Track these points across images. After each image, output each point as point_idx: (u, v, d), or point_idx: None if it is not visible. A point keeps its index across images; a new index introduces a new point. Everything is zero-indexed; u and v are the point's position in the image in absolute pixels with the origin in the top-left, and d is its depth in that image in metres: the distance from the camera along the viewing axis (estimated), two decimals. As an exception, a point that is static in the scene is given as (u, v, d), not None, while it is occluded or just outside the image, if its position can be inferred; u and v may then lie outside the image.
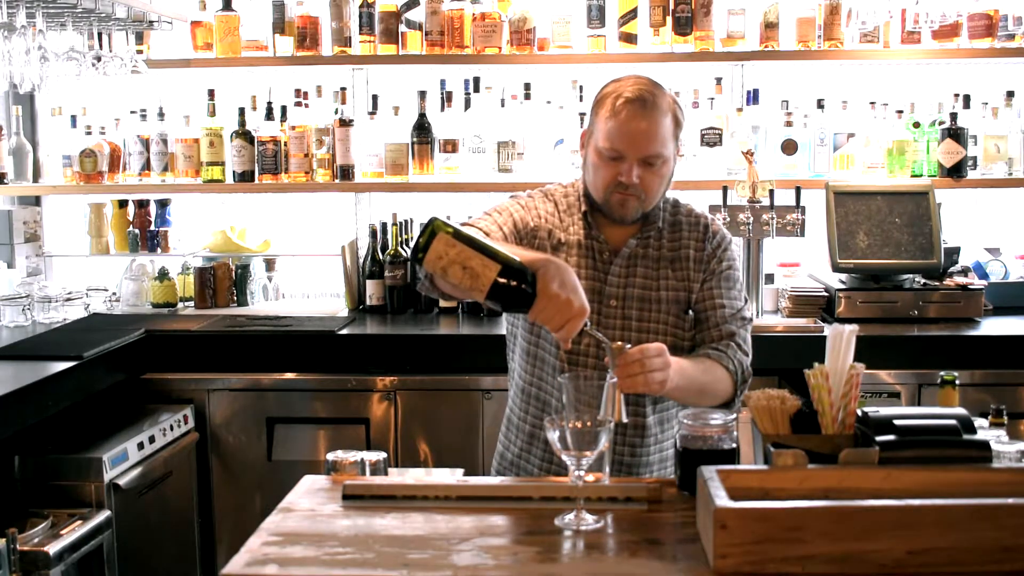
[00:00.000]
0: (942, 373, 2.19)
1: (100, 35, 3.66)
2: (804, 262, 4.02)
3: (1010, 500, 1.58)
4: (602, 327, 2.16)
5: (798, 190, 3.66)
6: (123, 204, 4.12)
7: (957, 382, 2.17)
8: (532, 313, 1.88)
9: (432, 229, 1.89)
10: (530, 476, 2.30)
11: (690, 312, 2.25)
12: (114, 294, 4.02)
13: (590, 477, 1.87)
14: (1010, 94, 3.86)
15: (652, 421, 2.26)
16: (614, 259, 2.24)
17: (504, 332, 2.42)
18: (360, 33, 3.87)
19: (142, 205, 4.13)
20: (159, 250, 4.12)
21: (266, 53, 3.93)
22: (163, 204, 4.13)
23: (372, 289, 3.94)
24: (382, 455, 2.11)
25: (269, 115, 3.93)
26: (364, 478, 2.04)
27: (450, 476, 2.25)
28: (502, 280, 1.85)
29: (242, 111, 3.92)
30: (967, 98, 3.85)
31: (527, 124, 3.87)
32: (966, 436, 1.80)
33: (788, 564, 1.54)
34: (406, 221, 4.00)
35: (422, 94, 3.92)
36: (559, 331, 1.88)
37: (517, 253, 1.94)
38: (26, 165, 4.03)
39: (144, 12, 3.71)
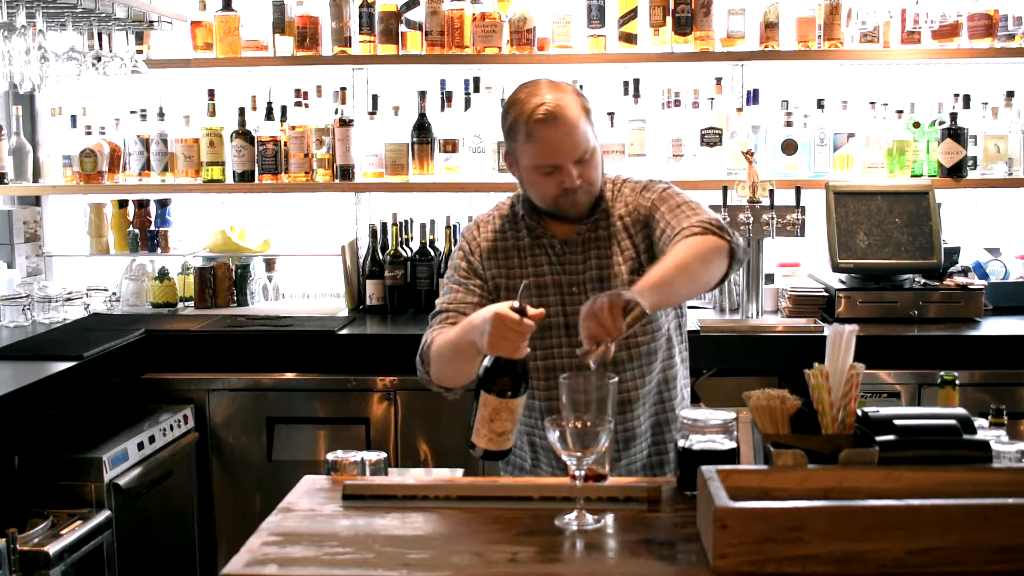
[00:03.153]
0: (942, 373, 2.19)
1: (100, 35, 3.66)
2: (804, 262, 4.02)
3: (1010, 500, 1.58)
4: (567, 316, 2.22)
5: (798, 190, 3.66)
6: (123, 204, 4.12)
7: (957, 382, 2.17)
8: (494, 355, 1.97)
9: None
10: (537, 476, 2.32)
11: (642, 268, 2.22)
12: (114, 294, 4.02)
13: (595, 471, 1.89)
14: (1010, 94, 3.86)
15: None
16: (565, 249, 2.28)
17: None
18: (360, 33, 3.87)
19: (142, 205, 4.13)
20: (159, 250, 4.12)
21: (266, 53, 3.93)
22: (163, 204, 4.13)
23: (372, 289, 3.94)
24: (382, 455, 2.11)
25: (269, 115, 3.93)
26: (364, 478, 2.04)
27: (450, 476, 2.25)
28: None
29: (242, 111, 3.92)
30: (967, 98, 3.85)
31: (527, 124, 3.86)
32: (966, 436, 1.80)
33: (788, 564, 1.54)
34: (406, 221, 4.00)
35: (422, 94, 3.92)
36: (523, 343, 1.94)
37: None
38: (26, 165, 4.03)
39: (144, 12, 3.71)
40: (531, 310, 1.95)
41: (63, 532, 2.71)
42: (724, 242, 2.13)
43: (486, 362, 1.97)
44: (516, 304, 1.95)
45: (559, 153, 2.16)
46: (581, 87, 3.88)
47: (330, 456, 2.07)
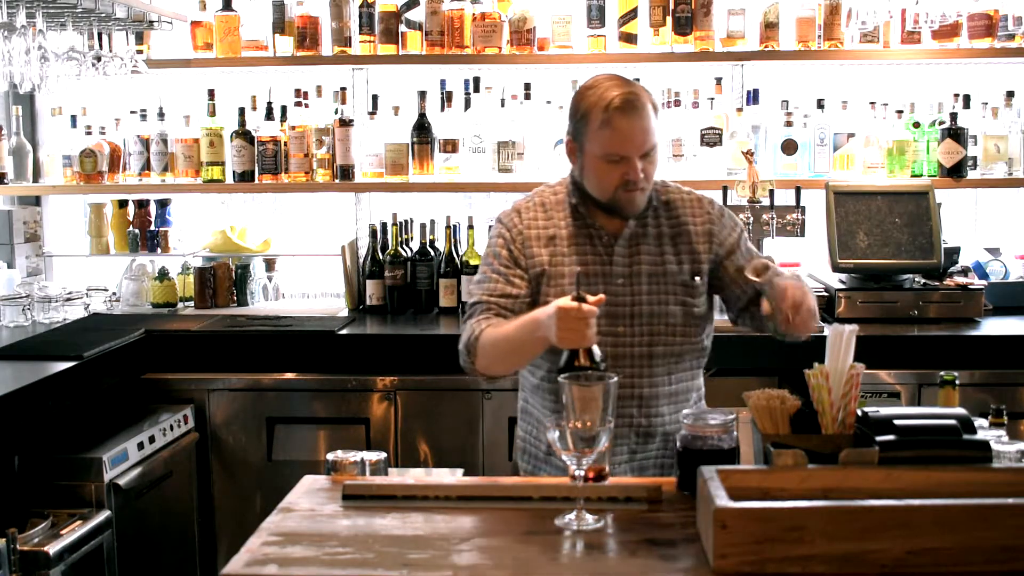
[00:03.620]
0: (942, 373, 2.19)
1: (100, 35, 3.66)
2: (804, 262, 4.02)
3: (1010, 500, 1.58)
4: (611, 304, 2.24)
5: (798, 190, 3.65)
6: (123, 204, 4.12)
7: (957, 382, 2.18)
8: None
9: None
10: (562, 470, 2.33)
11: (697, 279, 2.34)
12: (114, 294, 4.02)
13: (594, 470, 1.89)
14: (1010, 94, 3.86)
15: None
16: (615, 242, 2.32)
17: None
18: (360, 33, 3.87)
19: (142, 205, 4.12)
20: (159, 250, 4.12)
21: (266, 53, 3.93)
22: (163, 204, 4.13)
23: (372, 289, 3.94)
24: (382, 455, 2.11)
25: (269, 115, 3.93)
26: (364, 478, 2.04)
27: (450, 476, 2.25)
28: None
29: (242, 111, 3.92)
30: (967, 98, 3.85)
31: (527, 124, 3.87)
32: (966, 436, 1.80)
33: (788, 564, 1.54)
34: (406, 221, 4.00)
35: (422, 94, 3.91)
36: (589, 330, 2.00)
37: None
38: (26, 165, 4.03)
39: (144, 12, 3.71)
40: (591, 297, 2.02)
41: (63, 532, 2.71)
42: None
43: (563, 357, 2.03)
44: (575, 294, 2.02)
45: (630, 143, 2.21)
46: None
47: (330, 456, 2.07)
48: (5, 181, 3.96)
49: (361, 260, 4.04)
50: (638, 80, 3.79)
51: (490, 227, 2.46)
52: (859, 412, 1.87)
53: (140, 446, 3.13)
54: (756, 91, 3.90)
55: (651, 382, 2.30)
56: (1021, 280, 3.89)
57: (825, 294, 3.70)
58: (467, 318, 2.31)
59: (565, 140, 2.35)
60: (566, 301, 2.02)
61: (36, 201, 4.24)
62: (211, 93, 3.97)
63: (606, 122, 2.20)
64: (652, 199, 2.35)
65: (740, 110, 3.89)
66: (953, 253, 3.77)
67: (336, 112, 3.92)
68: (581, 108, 2.26)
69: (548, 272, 2.31)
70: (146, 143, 3.98)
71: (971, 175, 3.83)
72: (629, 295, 2.30)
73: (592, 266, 2.30)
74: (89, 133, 4.02)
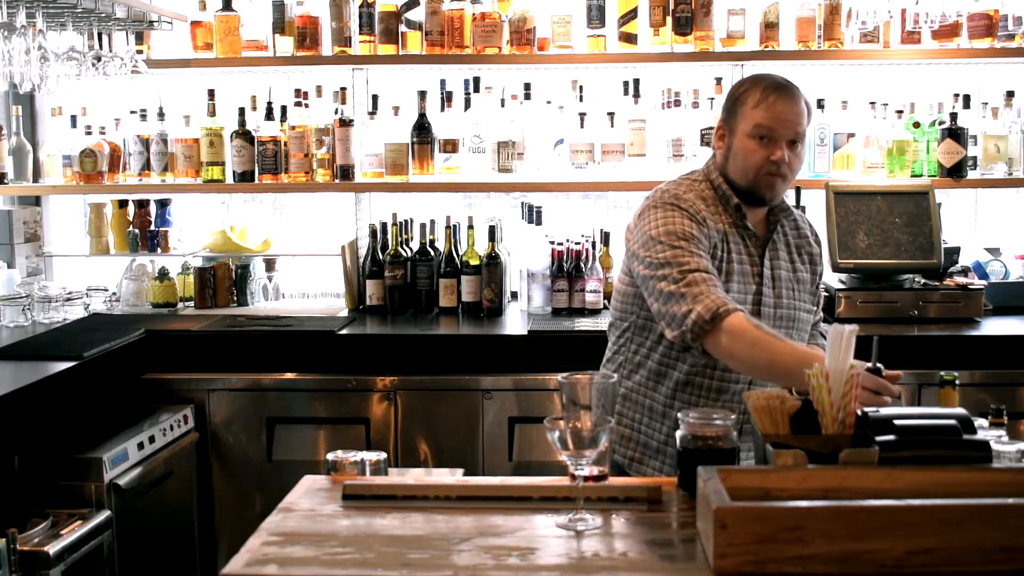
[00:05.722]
0: (942, 373, 2.19)
1: (100, 35, 3.66)
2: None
3: (1010, 500, 1.58)
4: (764, 306, 2.38)
5: (798, 190, 3.65)
6: (123, 204, 4.12)
7: (957, 382, 2.17)
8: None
9: None
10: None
11: (814, 289, 2.52)
12: (114, 294, 4.02)
13: (594, 470, 1.89)
14: (1010, 94, 3.86)
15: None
16: (764, 243, 2.42)
17: (505, 333, 2.43)
18: (360, 33, 3.87)
19: (142, 205, 4.13)
20: (159, 250, 4.12)
21: (266, 53, 3.93)
22: (163, 204, 4.13)
23: (372, 289, 3.94)
24: (382, 455, 2.11)
25: (269, 115, 3.93)
26: (364, 478, 2.04)
27: (450, 476, 2.25)
28: None
29: (242, 111, 3.92)
30: (967, 98, 3.85)
31: (527, 124, 3.87)
32: (966, 436, 1.80)
33: (788, 564, 1.54)
34: (406, 221, 4.00)
35: (422, 94, 3.91)
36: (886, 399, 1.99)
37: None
38: (26, 165, 4.03)
39: (144, 12, 3.71)
40: (887, 372, 2.01)
41: (63, 532, 2.71)
42: None
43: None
44: (871, 364, 1.99)
45: (783, 123, 2.30)
46: (582, 87, 3.90)
47: (330, 456, 2.07)
48: (5, 181, 3.96)
49: (361, 260, 4.04)
50: (637, 80, 3.84)
51: (647, 212, 2.35)
52: (859, 412, 1.87)
53: (140, 446, 3.13)
54: (756, 91, 3.89)
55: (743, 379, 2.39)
56: (1021, 280, 3.89)
57: (825, 294, 3.69)
58: (682, 284, 2.18)
59: (715, 126, 2.45)
60: (862, 370, 1.93)
61: (36, 201, 4.24)
62: (211, 93, 3.97)
63: (764, 99, 2.31)
64: (784, 208, 2.46)
65: (740, 110, 3.88)
66: (953, 253, 3.78)
67: (336, 112, 3.92)
68: (738, 92, 2.38)
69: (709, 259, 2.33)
70: (146, 143, 3.98)
71: (971, 175, 3.83)
72: (772, 298, 2.39)
73: (744, 266, 2.38)
74: (89, 133, 4.02)
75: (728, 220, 2.39)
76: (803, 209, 3.61)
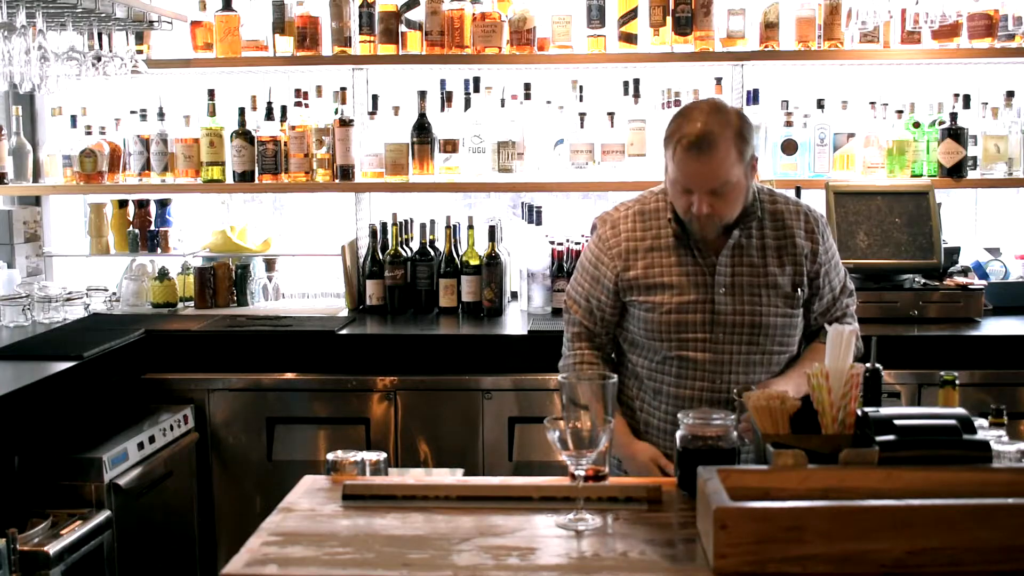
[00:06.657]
0: (942, 373, 2.19)
1: (100, 35, 3.66)
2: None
3: (1010, 500, 1.58)
4: (716, 314, 2.34)
5: (798, 190, 3.65)
6: (123, 204, 4.12)
7: (957, 382, 2.17)
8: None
9: None
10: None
11: (799, 291, 2.40)
12: (114, 294, 4.02)
13: (594, 470, 1.89)
14: (1010, 94, 3.86)
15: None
16: (720, 251, 2.36)
17: (505, 333, 2.43)
18: (360, 33, 3.87)
19: (142, 205, 4.13)
20: (159, 250, 4.12)
21: (266, 53, 3.93)
22: (163, 204, 4.13)
23: (372, 289, 3.94)
24: (382, 455, 2.11)
25: (269, 115, 3.93)
26: (364, 478, 2.04)
27: (450, 476, 2.25)
28: None
29: (242, 111, 3.92)
30: (967, 98, 3.85)
31: (527, 124, 3.87)
32: (966, 436, 1.80)
33: (788, 564, 1.54)
34: (406, 221, 4.00)
35: (422, 94, 3.91)
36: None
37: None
38: (26, 165, 4.03)
39: (144, 12, 3.71)
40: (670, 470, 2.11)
41: (63, 532, 2.71)
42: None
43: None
44: (870, 364, 2.09)
45: (693, 181, 2.25)
46: (582, 87, 3.90)
47: (330, 456, 2.07)
48: (5, 181, 3.96)
49: (361, 260, 4.04)
50: (637, 80, 3.84)
51: (593, 227, 2.52)
52: (859, 412, 1.87)
53: (140, 446, 3.13)
54: (756, 91, 3.90)
55: (747, 388, 2.34)
56: (1021, 280, 3.89)
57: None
58: (565, 325, 2.52)
59: None
60: (653, 462, 2.32)
61: (36, 201, 4.24)
62: (211, 93, 3.97)
63: (680, 155, 2.24)
64: (758, 209, 2.39)
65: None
66: (953, 253, 3.77)
67: (336, 112, 3.92)
68: (668, 131, 2.30)
69: (642, 283, 2.37)
70: (146, 143, 3.98)
71: (971, 175, 3.83)
72: (731, 304, 2.34)
73: (693, 276, 2.35)
74: (89, 133, 4.02)
75: (676, 229, 2.38)
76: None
